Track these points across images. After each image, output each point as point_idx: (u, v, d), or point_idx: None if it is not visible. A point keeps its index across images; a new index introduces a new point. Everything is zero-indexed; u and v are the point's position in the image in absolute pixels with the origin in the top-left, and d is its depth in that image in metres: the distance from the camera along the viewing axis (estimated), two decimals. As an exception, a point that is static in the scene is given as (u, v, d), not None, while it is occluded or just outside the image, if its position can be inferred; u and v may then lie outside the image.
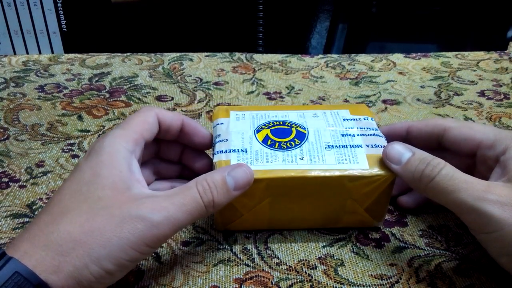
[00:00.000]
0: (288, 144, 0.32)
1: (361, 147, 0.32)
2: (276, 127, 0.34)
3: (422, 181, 0.29)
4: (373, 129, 0.34)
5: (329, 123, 0.35)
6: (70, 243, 0.24)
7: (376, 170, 0.31)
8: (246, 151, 0.32)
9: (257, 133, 0.34)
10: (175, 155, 0.35)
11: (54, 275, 0.23)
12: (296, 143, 0.33)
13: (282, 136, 0.33)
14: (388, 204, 0.33)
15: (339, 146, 0.32)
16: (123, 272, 0.26)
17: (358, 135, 0.33)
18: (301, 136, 0.33)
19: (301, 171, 0.30)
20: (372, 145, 0.32)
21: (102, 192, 0.26)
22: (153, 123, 0.31)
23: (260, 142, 0.33)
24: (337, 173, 0.30)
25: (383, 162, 0.31)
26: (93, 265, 0.24)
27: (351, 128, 0.34)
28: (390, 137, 0.34)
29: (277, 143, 0.32)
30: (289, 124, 0.34)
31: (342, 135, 0.33)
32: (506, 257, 0.27)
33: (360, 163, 0.31)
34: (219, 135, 0.34)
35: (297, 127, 0.34)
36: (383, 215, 0.33)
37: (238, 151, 0.32)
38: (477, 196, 0.26)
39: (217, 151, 0.32)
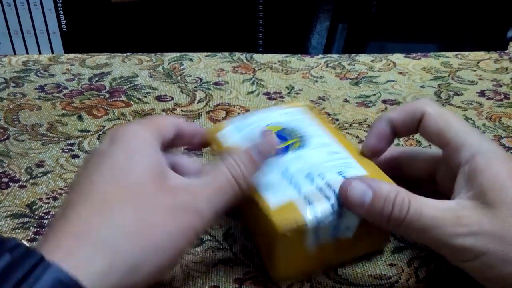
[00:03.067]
0: None
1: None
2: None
3: (391, 224, 0.27)
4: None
5: None
6: (123, 237, 0.22)
7: None
8: None
9: None
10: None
11: (105, 277, 0.21)
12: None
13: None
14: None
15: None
16: (172, 267, 0.25)
17: None
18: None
19: None
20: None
21: (143, 178, 0.24)
22: (170, 127, 0.29)
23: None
24: None
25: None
26: (150, 260, 0.23)
27: None
28: (377, 145, 0.32)
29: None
30: None
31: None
32: (485, 280, 0.26)
33: None
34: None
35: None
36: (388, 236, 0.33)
37: None
38: (447, 233, 0.25)
39: None
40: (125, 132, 0.27)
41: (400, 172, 0.34)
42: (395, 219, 0.26)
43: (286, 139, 0.33)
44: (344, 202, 0.28)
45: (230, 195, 0.26)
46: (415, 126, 0.31)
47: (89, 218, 0.23)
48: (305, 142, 0.32)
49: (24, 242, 0.22)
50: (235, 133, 0.34)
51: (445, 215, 0.26)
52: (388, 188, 0.27)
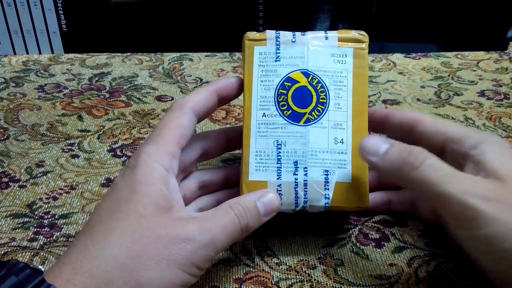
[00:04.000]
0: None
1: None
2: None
3: (403, 170, 0.27)
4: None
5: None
6: (117, 269, 0.23)
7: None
8: None
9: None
10: (221, 147, 0.35)
11: None
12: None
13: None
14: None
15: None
16: None
17: None
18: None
19: None
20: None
21: (143, 210, 0.25)
22: (188, 124, 0.29)
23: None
24: None
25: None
26: None
27: None
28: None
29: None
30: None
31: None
32: (491, 256, 0.25)
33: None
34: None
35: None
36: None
37: None
38: (464, 190, 0.25)
39: None
40: (134, 163, 0.27)
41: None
42: (409, 165, 0.27)
43: (306, 103, 0.32)
44: (359, 152, 0.30)
45: (233, 238, 0.27)
46: (407, 130, 0.32)
47: (86, 249, 0.24)
48: (322, 113, 0.32)
49: (31, 265, 0.23)
50: (265, 62, 0.33)
51: (462, 175, 0.26)
52: (407, 144, 0.28)
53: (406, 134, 0.33)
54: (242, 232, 0.27)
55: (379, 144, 0.29)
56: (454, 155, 0.30)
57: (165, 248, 0.24)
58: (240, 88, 0.33)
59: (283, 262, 0.32)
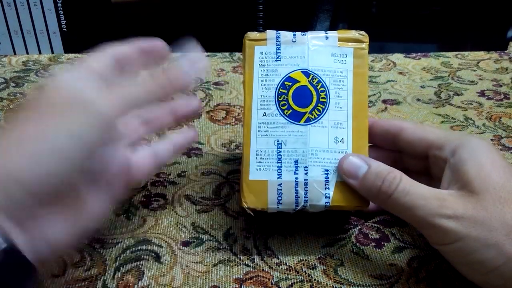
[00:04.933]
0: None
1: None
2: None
3: (379, 198, 0.29)
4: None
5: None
6: (15, 148, 0.22)
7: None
8: None
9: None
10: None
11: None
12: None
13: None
14: None
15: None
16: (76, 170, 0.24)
17: None
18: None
19: None
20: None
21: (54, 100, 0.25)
22: (107, 68, 0.29)
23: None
24: None
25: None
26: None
27: None
28: None
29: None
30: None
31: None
32: (465, 266, 0.27)
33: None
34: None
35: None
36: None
37: None
38: (433, 213, 0.26)
39: None
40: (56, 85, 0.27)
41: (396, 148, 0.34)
42: (383, 193, 0.28)
43: (306, 102, 0.32)
44: (339, 172, 0.31)
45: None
46: (390, 139, 0.33)
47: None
48: (322, 113, 0.32)
49: None
50: (266, 61, 0.33)
51: (432, 196, 0.27)
52: (383, 166, 0.29)
53: (391, 142, 0.34)
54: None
55: (358, 166, 0.30)
56: (436, 161, 0.31)
57: (60, 116, 0.24)
58: (166, 52, 0.32)
59: (283, 262, 0.32)
